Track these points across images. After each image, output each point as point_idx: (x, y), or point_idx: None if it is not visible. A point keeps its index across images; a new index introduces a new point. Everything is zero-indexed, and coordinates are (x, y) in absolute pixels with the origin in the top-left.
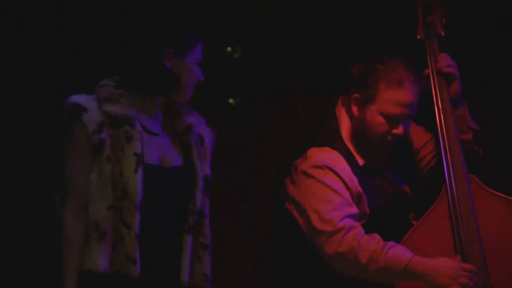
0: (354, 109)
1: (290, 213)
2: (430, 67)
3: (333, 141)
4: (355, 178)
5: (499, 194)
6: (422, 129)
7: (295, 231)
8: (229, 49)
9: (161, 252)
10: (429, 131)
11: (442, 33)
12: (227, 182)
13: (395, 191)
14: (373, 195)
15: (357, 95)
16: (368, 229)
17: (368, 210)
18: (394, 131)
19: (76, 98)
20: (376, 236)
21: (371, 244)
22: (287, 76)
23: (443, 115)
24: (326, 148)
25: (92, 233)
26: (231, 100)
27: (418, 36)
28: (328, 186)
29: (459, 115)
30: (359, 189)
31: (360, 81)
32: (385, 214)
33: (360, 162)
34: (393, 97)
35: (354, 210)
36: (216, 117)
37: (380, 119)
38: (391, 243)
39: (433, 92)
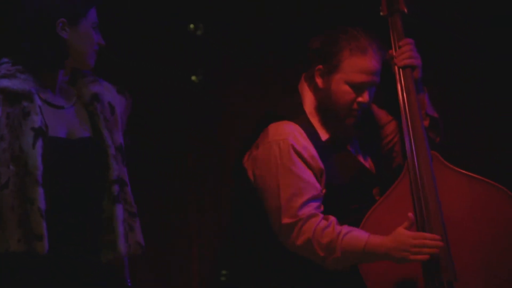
0: (318, 80)
1: (254, 188)
2: (393, 45)
3: (295, 115)
4: (316, 154)
5: (461, 171)
6: (383, 111)
7: (258, 207)
8: (191, 26)
9: (73, 226)
10: (391, 113)
11: (405, 10)
12: (191, 159)
13: (357, 167)
14: (334, 171)
15: (320, 66)
16: (331, 206)
17: (324, 189)
18: (359, 99)
19: None
20: (332, 222)
21: (326, 234)
22: (251, 52)
23: (405, 93)
24: (286, 122)
25: None
26: (194, 78)
27: (381, 13)
28: (288, 169)
29: (418, 100)
30: (321, 165)
31: (323, 52)
32: (346, 190)
33: (323, 137)
34: (357, 64)
35: (315, 191)
36: (179, 94)
37: (346, 87)
38: (345, 228)
39: (396, 70)
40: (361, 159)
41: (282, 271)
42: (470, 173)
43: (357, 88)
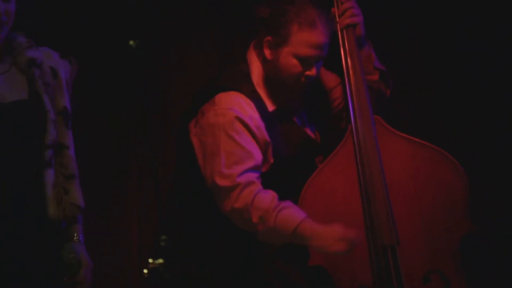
0: (267, 52)
1: (195, 157)
2: (336, 6)
3: (242, 85)
4: (262, 125)
5: (403, 135)
6: (333, 74)
7: (199, 175)
8: None
9: (7, 190)
10: (339, 76)
11: None
12: (129, 125)
13: (302, 137)
14: (280, 142)
15: (269, 37)
16: (275, 177)
17: (272, 159)
18: (307, 72)
19: None
20: (272, 194)
21: (265, 203)
22: (192, 16)
23: (349, 57)
24: (234, 93)
25: None
26: (131, 42)
27: None
28: (232, 138)
29: (364, 55)
30: (267, 137)
31: (272, 24)
32: (292, 160)
33: (270, 108)
34: (306, 39)
35: (256, 162)
36: (116, 59)
37: (294, 61)
38: (285, 203)
39: (339, 33)
40: (307, 130)
41: (222, 238)
42: (413, 138)
43: (305, 61)
